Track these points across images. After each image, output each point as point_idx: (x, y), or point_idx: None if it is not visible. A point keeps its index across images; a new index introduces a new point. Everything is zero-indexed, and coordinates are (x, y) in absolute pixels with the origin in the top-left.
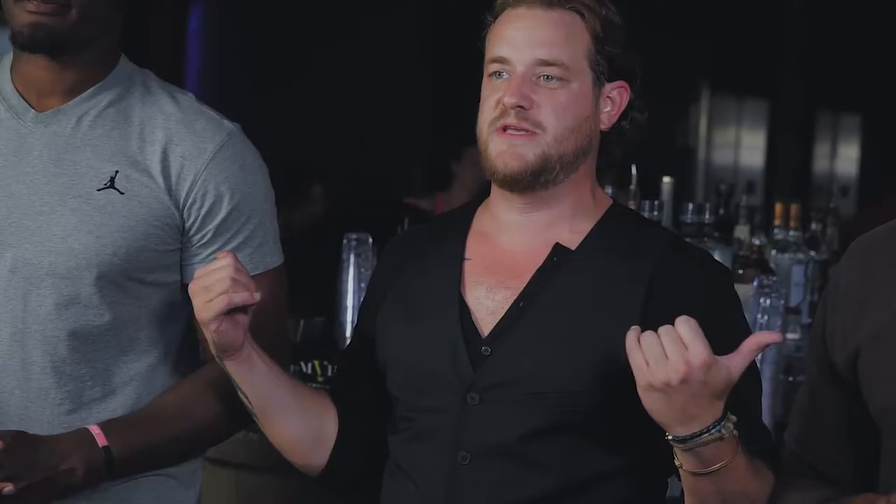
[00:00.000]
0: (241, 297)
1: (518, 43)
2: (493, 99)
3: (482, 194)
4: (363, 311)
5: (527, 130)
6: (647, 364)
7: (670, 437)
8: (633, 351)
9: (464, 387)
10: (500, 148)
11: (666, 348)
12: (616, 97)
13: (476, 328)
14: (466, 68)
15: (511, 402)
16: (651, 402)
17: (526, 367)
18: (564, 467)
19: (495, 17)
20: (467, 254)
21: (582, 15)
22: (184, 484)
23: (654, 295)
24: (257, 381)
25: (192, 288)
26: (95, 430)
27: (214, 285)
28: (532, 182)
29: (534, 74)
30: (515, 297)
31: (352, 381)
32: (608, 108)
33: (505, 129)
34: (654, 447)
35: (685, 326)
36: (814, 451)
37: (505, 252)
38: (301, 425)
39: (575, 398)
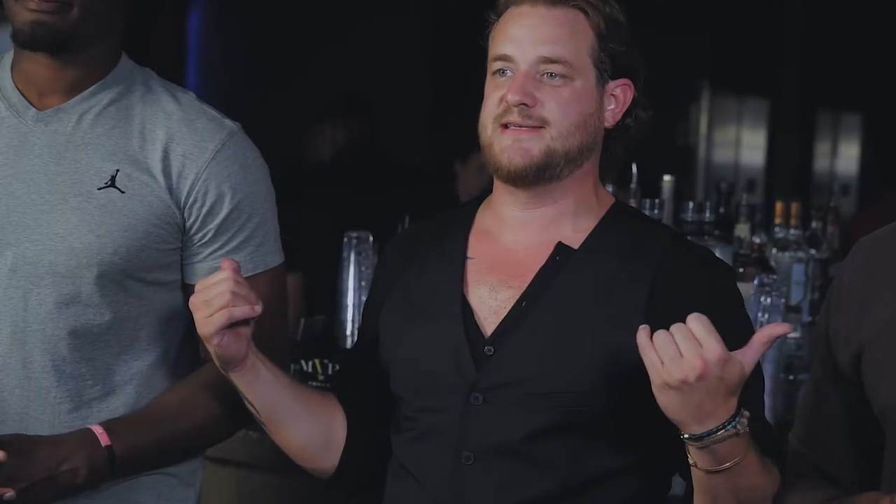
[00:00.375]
0: (242, 310)
1: (521, 41)
2: (497, 96)
3: (484, 192)
4: (366, 310)
5: (531, 126)
6: (662, 363)
7: (686, 436)
8: (646, 350)
9: (467, 387)
10: (505, 143)
11: (680, 346)
12: (620, 95)
13: (479, 328)
14: (467, 69)
15: (514, 402)
16: (667, 401)
17: (529, 367)
18: (568, 467)
19: (498, 16)
20: (469, 252)
21: (586, 12)
22: (184, 482)
23: (656, 293)
24: (263, 389)
25: (193, 302)
26: (98, 430)
27: (215, 299)
28: (537, 177)
29: (537, 72)
30: (518, 297)
31: (354, 380)
32: (612, 106)
33: (507, 125)
34: (657, 446)
35: (697, 323)
36: (817, 450)
37: (507, 251)
38: (309, 430)
39: (578, 398)
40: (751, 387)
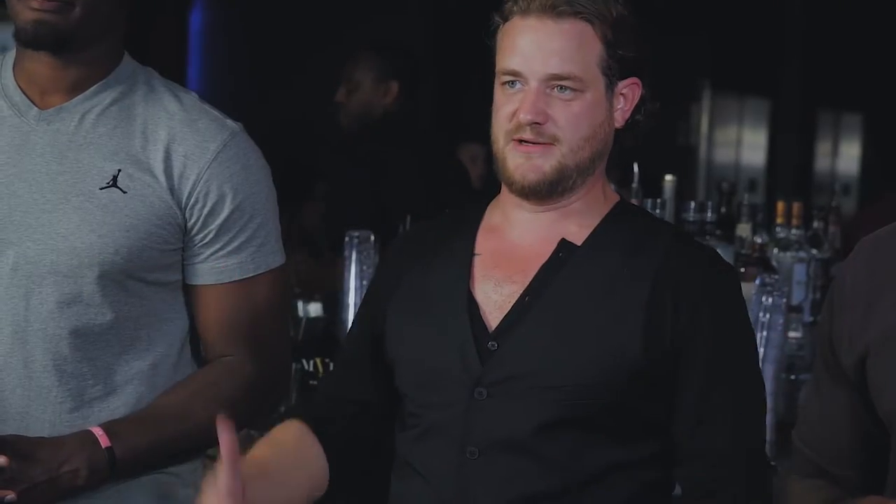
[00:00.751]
0: None
1: (530, 57)
2: (508, 110)
3: (492, 192)
4: (366, 308)
5: (543, 143)
6: None
7: None
8: None
9: (471, 382)
10: (518, 161)
11: None
12: (629, 93)
13: (484, 323)
14: (467, 69)
15: (518, 397)
16: None
17: (531, 362)
18: (572, 461)
19: (504, 20)
20: (477, 249)
21: (592, 23)
22: (185, 482)
23: (658, 289)
24: None
25: None
26: (98, 432)
27: None
28: (550, 192)
29: (548, 86)
30: (522, 292)
31: (354, 378)
32: (621, 105)
33: (520, 141)
34: (660, 440)
35: None
36: (820, 451)
37: (513, 246)
38: (299, 493)
39: (580, 392)
40: (742, 415)
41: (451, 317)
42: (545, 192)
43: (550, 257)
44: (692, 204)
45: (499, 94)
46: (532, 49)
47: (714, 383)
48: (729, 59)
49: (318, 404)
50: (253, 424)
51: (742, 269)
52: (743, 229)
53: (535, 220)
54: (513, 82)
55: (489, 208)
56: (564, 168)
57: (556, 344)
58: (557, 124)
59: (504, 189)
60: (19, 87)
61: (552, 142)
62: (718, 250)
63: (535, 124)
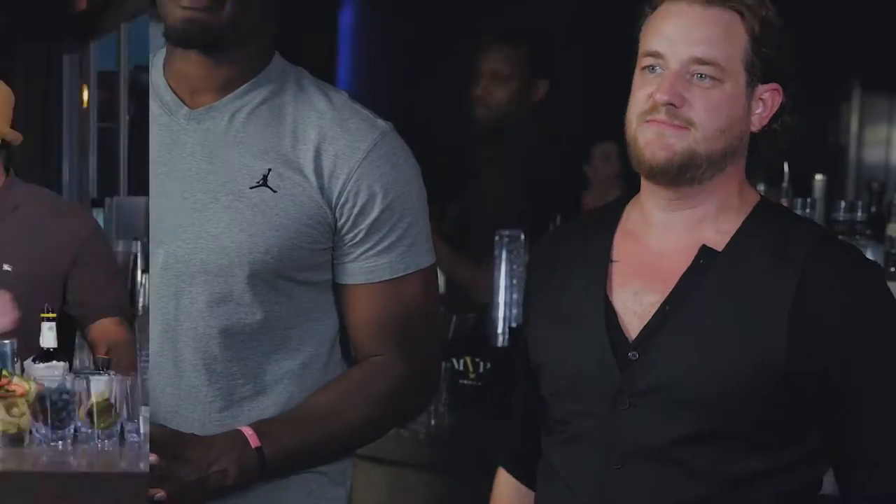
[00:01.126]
0: None
1: (674, 39)
2: (645, 92)
3: (631, 189)
4: (522, 312)
5: (677, 125)
6: None
7: None
8: None
9: (613, 391)
10: (648, 137)
11: None
12: (768, 99)
13: (623, 332)
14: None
15: (660, 407)
16: None
17: (674, 372)
18: (717, 470)
19: (653, 9)
20: (614, 254)
21: (741, 14)
22: (335, 481)
23: (803, 295)
24: None
25: None
26: (248, 432)
27: None
28: (678, 175)
29: (688, 72)
30: (662, 301)
31: (521, 383)
32: (759, 110)
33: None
34: (807, 446)
35: None
36: None
37: (652, 254)
38: None
39: (724, 402)
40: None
41: (588, 325)
42: (674, 172)
43: (692, 265)
44: (842, 203)
45: (638, 78)
46: (677, 33)
47: (871, 414)
48: (880, 58)
49: (515, 440)
50: (403, 424)
51: (892, 269)
52: (893, 229)
53: (672, 223)
54: (653, 67)
55: (627, 208)
56: (695, 154)
57: (698, 354)
58: (694, 109)
59: (642, 185)
60: (169, 86)
61: (687, 125)
62: (868, 250)
63: (670, 105)
